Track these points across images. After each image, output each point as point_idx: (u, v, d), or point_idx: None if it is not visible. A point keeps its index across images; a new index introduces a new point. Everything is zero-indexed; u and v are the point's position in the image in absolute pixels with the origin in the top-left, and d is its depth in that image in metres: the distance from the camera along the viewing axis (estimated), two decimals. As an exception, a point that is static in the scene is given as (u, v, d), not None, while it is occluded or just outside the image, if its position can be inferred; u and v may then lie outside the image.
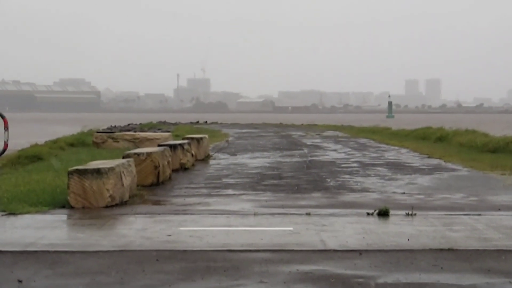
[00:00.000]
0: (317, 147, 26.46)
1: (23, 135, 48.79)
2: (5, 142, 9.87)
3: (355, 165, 18.49)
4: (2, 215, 9.68)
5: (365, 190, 13.17)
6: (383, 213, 10.02)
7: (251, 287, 6.29)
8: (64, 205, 10.61)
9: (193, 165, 18.06)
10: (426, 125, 38.98)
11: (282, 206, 10.96)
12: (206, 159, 20.21)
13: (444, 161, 19.27)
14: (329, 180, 14.83)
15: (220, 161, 19.97)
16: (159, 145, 16.72)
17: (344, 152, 23.43)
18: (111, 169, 10.96)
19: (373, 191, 12.93)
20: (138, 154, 13.69)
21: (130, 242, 7.99)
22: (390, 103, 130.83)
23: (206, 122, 66.97)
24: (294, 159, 20.37)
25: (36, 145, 25.49)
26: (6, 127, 9.75)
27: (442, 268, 6.94)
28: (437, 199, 11.92)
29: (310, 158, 20.62)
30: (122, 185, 11.30)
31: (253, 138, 34.33)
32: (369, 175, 15.78)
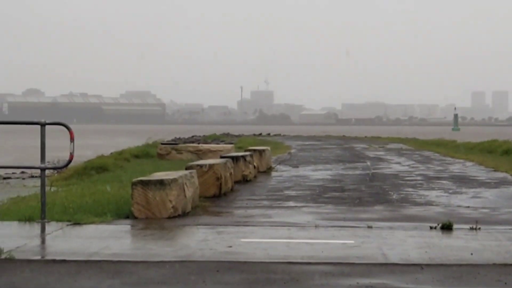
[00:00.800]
0: (380, 159, 26.25)
1: (90, 147, 49.75)
2: (70, 153, 10.07)
3: (419, 178, 18.28)
4: (68, 225, 9.89)
5: (428, 203, 13.01)
6: (447, 227, 9.88)
7: (311, 299, 6.28)
8: (128, 215, 10.77)
9: (255, 177, 18.12)
10: (492, 138, 38.28)
11: (344, 219, 10.91)
12: (268, 171, 20.26)
13: (511, 175, 18.89)
14: (392, 193, 14.70)
15: (282, 173, 19.99)
16: (221, 157, 16.85)
17: (407, 165, 23.18)
18: (174, 180, 11.08)
19: (436, 205, 12.76)
20: (200, 166, 13.81)
21: (191, 252, 8.06)
22: (455, 116, 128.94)
23: (269, 134, 67.12)
24: (357, 172, 20.26)
25: (102, 156, 25.97)
26: (72, 139, 9.95)
27: (506, 283, 6.81)
28: (502, 213, 11.70)
29: (373, 171, 20.47)
30: (185, 196, 11.42)
31: (316, 150, 34.26)
32: (433, 188, 15.58)
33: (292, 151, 33.16)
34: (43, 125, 10.05)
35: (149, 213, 10.73)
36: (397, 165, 23.31)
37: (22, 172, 27.64)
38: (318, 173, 19.74)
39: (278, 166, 22.45)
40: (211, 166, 13.86)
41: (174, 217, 10.83)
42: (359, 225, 10.19)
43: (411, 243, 8.82)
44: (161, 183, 10.84)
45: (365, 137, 58.66)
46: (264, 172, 19.84)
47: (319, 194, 14.44)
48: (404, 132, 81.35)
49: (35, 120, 10.26)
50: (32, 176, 24.58)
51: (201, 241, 8.87)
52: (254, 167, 18.42)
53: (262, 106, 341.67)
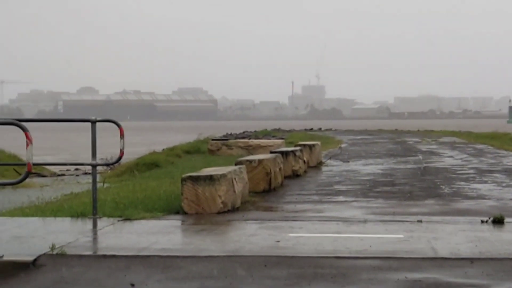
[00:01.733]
0: (433, 153, 25.96)
1: (143, 143, 50.28)
2: (120, 150, 10.20)
3: (471, 171, 18.04)
4: (119, 220, 10.03)
5: (480, 197, 12.83)
6: (498, 221, 9.73)
7: (358, 294, 6.26)
8: (178, 211, 10.87)
9: (305, 171, 18.10)
10: (548, 130, 37.51)
11: (393, 213, 10.83)
12: (318, 165, 20.21)
13: None
14: (443, 187, 14.53)
15: (332, 167, 19.93)
16: (271, 152, 16.87)
17: (460, 159, 22.89)
18: (223, 175, 11.14)
19: (488, 198, 12.58)
20: (250, 161, 13.85)
21: (239, 247, 8.10)
22: (510, 108, 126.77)
23: (320, 129, 66.94)
24: (408, 166, 20.08)
25: (154, 152, 26.28)
26: (121, 136, 10.08)
27: (558, 278, 6.68)
28: (557, 207, 11.47)
29: (424, 165, 20.26)
30: (234, 191, 11.47)
31: (367, 144, 34.05)
32: (485, 182, 15.36)
33: (343, 145, 33.02)
34: (93, 122, 10.19)
35: (199, 209, 10.82)
36: (449, 158, 23.03)
37: (76, 169, 28.11)
38: (369, 168, 19.62)
39: (328, 160, 22.38)
40: (260, 161, 13.89)
41: (224, 212, 10.89)
42: (409, 219, 10.11)
43: (461, 237, 8.72)
44: (210, 178, 10.91)
45: (418, 130, 58.04)
46: (314, 167, 19.79)
47: (369, 189, 14.36)
48: (458, 125, 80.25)
49: (87, 118, 10.39)
50: (86, 173, 24.98)
51: (249, 236, 8.90)
52: (304, 162, 18.40)
53: (314, 101, 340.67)
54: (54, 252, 7.71)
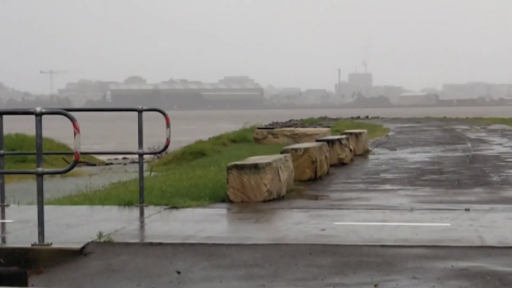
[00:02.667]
0: (482, 141, 25.61)
1: (189, 132, 50.60)
2: (167, 138, 10.28)
3: (521, 159, 17.75)
4: (165, 208, 10.11)
5: (530, 185, 12.62)
6: (548, 209, 9.56)
7: (404, 282, 6.22)
8: (223, 199, 10.93)
9: (351, 160, 18.02)
10: None
11: (440, 202, 10.73)
12: (365, 154, 20.10)
13: None
14: (492, 175, 14.33)
15: (379, 156, 19.80)
16: (317, 140, 16.83)
17: (510, 146, 22.52)
18: (268, 164, 11.16)
19: (538, 186, 12.37)
20: (295, 150, 13.84)
21: (284, 235, 8.11)
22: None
23: (367, 117, 66.51)
24: (456, 154, 19.84)
25: (200, 141, 26.42)
26: (167, 124, 10.15)
27: None
28: None
29: (473, 153, 20.00)
30: (279, 180, 11.48)
31: (415, 132, 33.73)
32: (535, 170, 15.10)
33: (390, 133, 32.76)
34: (140, 111, 10.28)
35: (244, 197, 10.85)
36: (499, 146, 22.69)
37: (124, 158, 28.44)
38: (416, 156, 19.44)
39: (375, 149, 22.24)
40: (306, 149, 13.86)
41: (269, 200, 10.91)
42: (456, 208, 10.00)
43: (509, 226, 8.59)
44: (255, 167, 10.93)
45: (467, 118, 57.28)
46: (361, 155, 19.69)
47: (416, 177, 14.24)
48: (508, 112, 79.00)
49: (134, 107, 10.47)
50: (133, 162, 25.25)
51: (294, 224, 8.91)
52: (351, 150, 18.31)
53: (361, 89, 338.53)
54: (102, 240, 7.81)
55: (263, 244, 7.64)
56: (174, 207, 10.17)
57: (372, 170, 15.82)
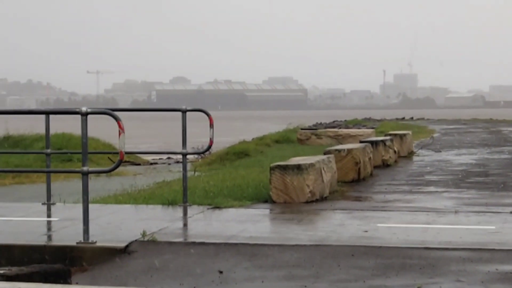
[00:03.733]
0: (529, 143, 25.22)
1: (233, 132, 50.75)
2: (210, 139, 10.33)
3: None
4: (208, 208, 10.17)
5: None
6: None
7: (447, 285, 6.17)
8: (266, 200, 10.94)
9: (395, 161, 17.89)
10: None
11: (486, 204, 10.60)
12: (409, 155, 19.95)
13: None
14: (539, 177, 14.11)
15: (423, 157, 19.63)
16: (360, 142, 16.75)
17: (558, 149, 22.15)
18: (311, 165, 11.14)
19: None
20: (338, 151, 13.80)
21: (327, 237, 8.10)
22: None
23: (412, 118, 65.92)
24: (503, 156, 19.58)
25: (244, 142, 26.47)
26: (211, 125, 10.21)
27: None
28: None
29: (520, 155, 19.71)
30: (322, 181, 11.46)
31: (460, 134, 33.35)
32: None
33: (435, 135, 32.44)
34: (184, 111, 10.35)
35: (287, 198, 10.86)
36: (546, 148, 22.32)
37: (168, 158, 28.63)
38: (461, 158, 19.23)
39: (419, 150, 22.05)
40: (349, 150, 13.81)
41: (312, 201, 10.90)
42: (502, 211, 9.88)
43: (556, 230, 8.46)
44: (298, 167, 10.93)
45: (514, 120, 56.39)
46: (405, 156, 19.54)
47: (461, 179, 14.09)
48: (556, 114, 77.59)
49: (179, 107, 10.54)
50: (177, 162, 25.40)
51: (337, 225, 8.89)
52: (395, 151, 18.19)
53: (406, 90, 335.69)
54: (145, 239, 7.89)
55: (305, 245, 7.64)
56: (217, 207, 10.22)
57: (417, 172, 15.69)
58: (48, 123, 10.56)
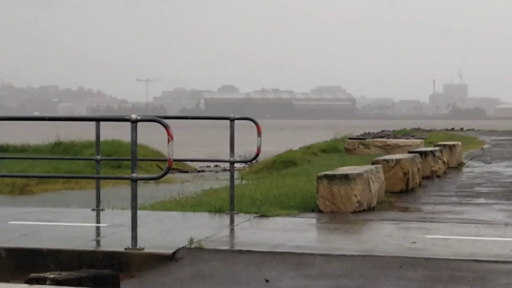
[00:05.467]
0: None
1: (280, 141, 50.76)
2: (258, 147, 10.34)
3: None
4: (255, 217, 10.18)
5: None
6: None
7: (497, 299, 6.07)
8: (313, 209, 10.91)
9: (444, 172, 17.69)
10: None
11: (537, 217, 10.41)
12: (458, 166, 19.70)
13: None
14: None
15: (473, 169, 19.37)
16: (409, 152, 16.60)
17: None
18: (359, 175, 11.09)
19: None
20: (387, 161, 13.70)
21: (374, 247, 8.04)
22: None
23: (462, 129, 65.09)
24: (555, 168, 19.21)
25: (291, 150, 26.47)
26: (259, 133, 10.22)
27: None
28: None
29: None
30: (370, 191, 11.39)
31: (511, 145, 32.82)
32: None
33: (485, 146, 31.98)
34: (232, 120, 10.39)
35: (334, 207, 10.81)
36: None
37: (216, 166, 28.77)
38: (512, 169, 18.93)
39: (469, 161, 21.76)
40: (397, 161, 13.70)
41: (359, 211, 10.84)
42: (554, 224, 9.68)
43: None
44: (346, 177, 10.88)
45: None
46: (454, 167, 19.31)
47: (512, 191, 13.86)
48: None
49: (227, 115, 10.59)
50: (225, 170, 25.52)
51: (384, 236, 8.82)
52: (444, 162, 17.99)
53: (455, 100, 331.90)
54: (192, 246, 7.92)
55: (352, 255, 7.60)
56: (264, 216, 10.23)
57: (466, 183, 15.49)
58: (98, 130, 10.71)
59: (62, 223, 9.67)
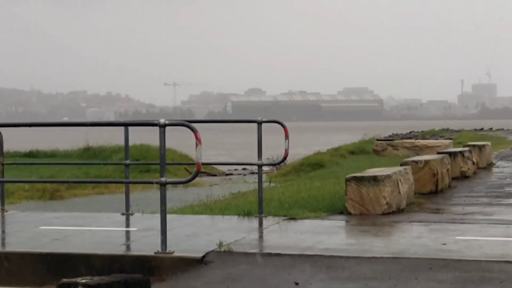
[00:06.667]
0: None
1: (308, 143, 50.71)
2: (285, 150, 10.35)
3: None
4: (283, 219, 10.18)
5: None
6: None
7: (529, 301, 6.02)
8: (342, 211, 10.89)
9: (474, 173, 17.56)
10: None
11: None
12: (488, 167, 19.53)
13: None
14: None
15: (503, 169, 19.20)
16: (438, 153, 16.51)
17: None
18: (388, 176, 11.04)
19: None
20: (415, 162, 13.63)
21: (404, 249, 8.00)
22: None
23: (491, 128, 64.50)
24: None
25: (319, 153, 26.44)
26: (286, 136, 10.23)
27: None
28: None
29: None
30: (399, 192, 11.34)
31: (542, 145, 32.45)
32: None
33: (515, 146, 31.67)
34: (259, 123, 10.40)
35: (363, 209, 10.78)
36: None
37: (244, 169, 28.82)
38: (543, 169, 18.73)
39: (499, 162, 21.57)
40: (426, 162, 13.63)
41: (388, 213, 10.79)
42: None
43: None
44: (374, 179, 10.84)
45: None
46: (484, 168, 19.15)
47: (543, 191, 13.72)
48: None
49: (254, 118, 10.60)
50: (253, 173, 25.56)
51: (414, 238, 8.77)
52: (473, 163, 17.86)
53: (484, 100, 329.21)
54: (222, 249, 7.94)
55: (382, 257, 7.57)
56: (293, 218, 10.22)
57: (496, 184, 15.36)
58: (127, 135, 10.78)
59: (92, 228, 9.75)
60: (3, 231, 9.76)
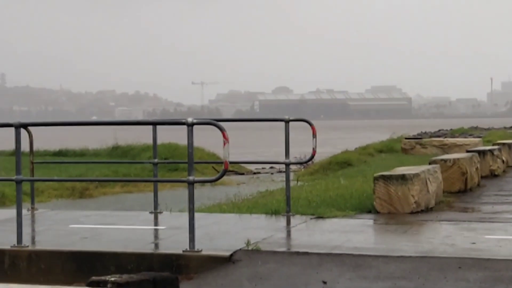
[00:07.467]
0: None
1: (335, 142, 50.58)
2: (313, 148, 10.33)
3: None
4: (311, 218, 10.17)
5: None
6: None
7: (560, 301, 5.95)
8: (370, 210, 10.85)
9: (504, 171, 17.40)
10: None
11: None
12: (518, 165, 19.33)
13: None
14: None
15: (533, 167, 18.99)
16: (467, 151, 16.38)
17: None
18: (416, 175, 10.98)
19: None
20: (444, 160, 13.54)
21: (433, 248, 7.95)
22: None
23: (521, 126, 63.85)
24: None
25: (347, 151, 26.35)
26: (314, 135, 10.21)
27: None
28: None
29: None
30: (428, 191, 11.27)
31: None
32: None
33: (546, 144, 31.32)
34: (287, 121, 10.40)
35: (391, 208, 10.73)
36: None
37: (271, 167, 28.80)
38: None
39: (529, 160, 21.33)
40: (455, 160, 13.53)
41: (417, 212, 10.73)
42: None
43: None
44: (403, 178, 10.79)
45: None
46: (514, 166, 18.96)
47: None
48: None
49: (281, 117, 10.60)
50: (280, 171, 25.53)
51: (443, 237, 8.72)
52: (503, 161, 17.70)
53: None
54: (249, 248, 7.95)
55: (410, 256, 7.53)
56: (320, 217, 10.21)
57: (526, 182, 15.21)
58: (155, 133, 10.84)
59: (121, 226, 9.81)
60: (33, 230, 9.86)
